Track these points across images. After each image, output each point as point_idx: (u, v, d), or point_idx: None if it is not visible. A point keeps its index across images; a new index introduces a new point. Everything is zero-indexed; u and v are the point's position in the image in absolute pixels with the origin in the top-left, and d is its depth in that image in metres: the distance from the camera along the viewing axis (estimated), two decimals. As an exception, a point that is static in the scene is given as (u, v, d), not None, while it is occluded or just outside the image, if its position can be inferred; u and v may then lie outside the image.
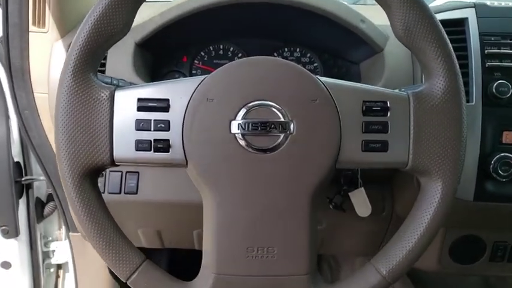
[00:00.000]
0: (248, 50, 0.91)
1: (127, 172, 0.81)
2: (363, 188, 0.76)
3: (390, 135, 0.50)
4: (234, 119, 0.49)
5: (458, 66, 0.51)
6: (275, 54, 0.92)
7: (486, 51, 0.74)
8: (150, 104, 0.49)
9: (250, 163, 0.49)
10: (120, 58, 0.76)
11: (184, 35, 0.86)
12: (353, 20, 0.75)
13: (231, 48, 0.92)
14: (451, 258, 0.87)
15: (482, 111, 0.72)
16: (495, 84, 0.71)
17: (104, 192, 0.81)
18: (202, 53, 0.91)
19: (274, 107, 0.49)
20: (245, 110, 0.49)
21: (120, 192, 0.80)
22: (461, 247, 0.86)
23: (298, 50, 0.93)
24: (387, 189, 0.86)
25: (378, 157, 0.50)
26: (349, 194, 0.76)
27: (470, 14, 0.76)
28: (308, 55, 0.93)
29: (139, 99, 0.49)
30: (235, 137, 0.49)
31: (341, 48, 0.89)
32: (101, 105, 0.48)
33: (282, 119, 0.49)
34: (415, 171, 0.51)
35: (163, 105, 0.49)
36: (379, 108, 0.50)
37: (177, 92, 0.50)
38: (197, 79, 0.50)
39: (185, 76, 0.90)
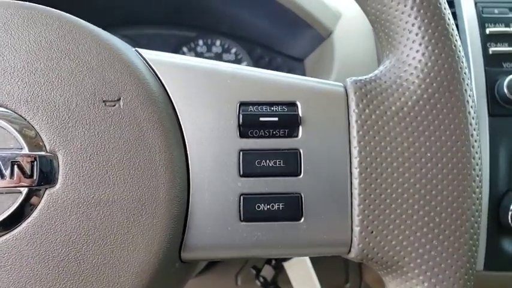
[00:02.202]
0: (143, 44, 0.63)
1: None
2: (303, 252, 0.46)
3: (304, 181, 0.22)
4: None
5: (452, 25, 0.23)
6: (184, 49, 0.64)
7: (488, 30, 0.47)
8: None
9: None
10: None
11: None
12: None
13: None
14: None
15: (490, 125, 0.44)
16: (506, 81, 0.44)
17: None
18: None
19: (11, 123, 0.20)
20: None
21: None
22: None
23: (218, 42, 0.65)
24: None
25: (278, 235, 0.22)
26: (284, 264, 0.47)
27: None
28: (233, 50, 0.65)
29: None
30: None
31: (276, 38, 0.61)
32: None
33: (27, 151, 0.20)
34: (370, 262, 0.22)
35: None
36: (276, 119, 0.22)
37: None
38: None
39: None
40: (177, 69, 0.23)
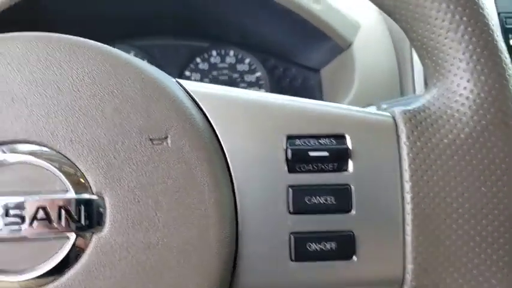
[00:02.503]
0: (155, 55, 0.62)
1: None
2: None
3: (356, 218, 0.21)
4: None
5: (505, 52, 0.22)
6: (197, 59, 0.63)
7: (511, 41, 0.46)
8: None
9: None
10: None
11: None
12: (301, 0, 0.47)
13: (132, 53, 0.62)
14: None
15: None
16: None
17: None
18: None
19: (55, 163, 0.19)
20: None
21: None
22: None
23: (232, 53, 0.64)
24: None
25: (329, 274, 0.21)
26: None
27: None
28: (247, 60, 0.64)
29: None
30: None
31: (291, 48, 0.61)
32: None
33: (74, 194, 0.19)
34: None
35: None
36: (325, 153, 0.21)
37: None
38: None
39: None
40: (221, 101, 0.22)
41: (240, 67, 0.64)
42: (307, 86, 0.64)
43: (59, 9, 0.51)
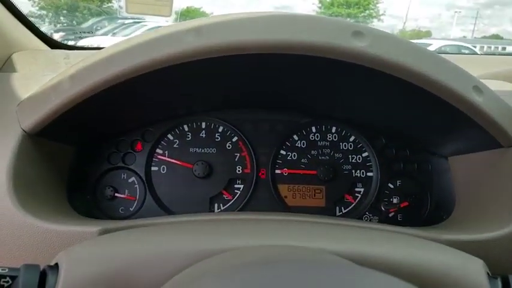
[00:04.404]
0: (247, 131, 0.53)
1: None
2: None
3: None
4: None
5: None
6: (295, 137, 0.54)
7: None
8: None
9: None
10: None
11: (133, 111, 0.48)
12: (460, 87, 0.36)
13: (220, 128, 0.54)
14: None
15: None
16: None
17: None
18: (170, 136, 0.53)
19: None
20: None
21: None
22: None
23: (334, 129, 0.54)
24: None
25: None
26: None
27: None
28: (351, 138, 0.54)
29: None
30: None
31: (421, 132, 0.50)
32: None
33: None
34: None
35: None
36: None
37: None
38: None
39: (138, 177, 0.51)
40: None
41: (343, 145, 0.54)
42: (424, 170, 0.53)
43: (144, 92, 0.43)
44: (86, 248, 0.28)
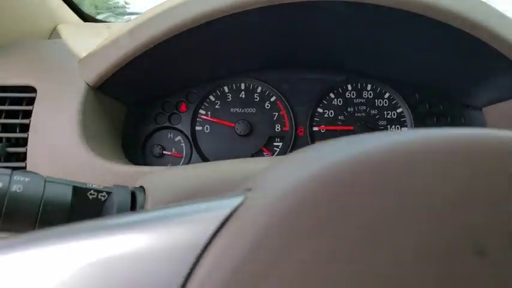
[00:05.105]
0: (285, 91, 0.56)
1: None
2: None
3: None
4: None
5: None
6: (331, 95, 0.56)
7: None
8: None
9: None
10: (60, 113, 0.41)
11: (181, 69, 0.51)
12: (505, 32, 0.38)
13: (259, 89, 0.56)
14: None
15: None
16: None
17: None
18: (212, 97, 0.55)
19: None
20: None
21: None
22: None
23: (369, 87, 0.56)
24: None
25: None
26: None
27: None
28: (386, 95, 0.56)
29: None
30: None
31: (450, 83, 0.52)
32: None
33: None
34: None
35: None
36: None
37: None
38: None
39: (184, 135, 0.54)
40: None
41: (379, 102, 0.56)
42: (458, 124, 0.55)
43: (193, 48, 0.45)
44: (165, 173, 0.30)
